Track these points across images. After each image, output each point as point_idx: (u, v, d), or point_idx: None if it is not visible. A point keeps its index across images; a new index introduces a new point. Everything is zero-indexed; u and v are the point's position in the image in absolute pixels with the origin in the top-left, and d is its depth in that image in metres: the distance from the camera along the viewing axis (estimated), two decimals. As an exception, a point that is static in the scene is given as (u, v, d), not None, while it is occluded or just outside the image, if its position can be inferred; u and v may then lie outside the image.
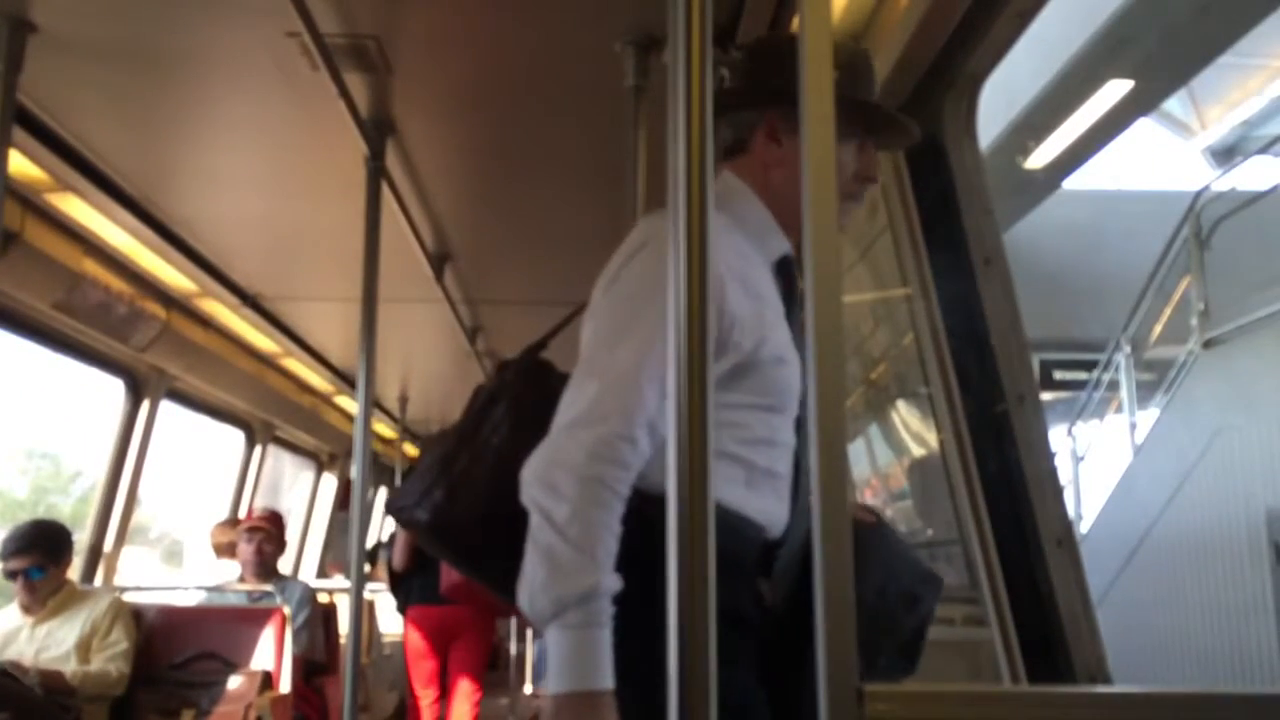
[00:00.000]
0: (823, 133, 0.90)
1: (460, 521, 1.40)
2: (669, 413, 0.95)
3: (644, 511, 1.21)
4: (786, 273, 1.44)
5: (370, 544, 6.14)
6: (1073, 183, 9.09)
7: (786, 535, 1.38)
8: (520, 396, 1.44)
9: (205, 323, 4.39)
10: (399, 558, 4.68)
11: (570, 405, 1.26)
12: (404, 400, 6.53)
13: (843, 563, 0.82)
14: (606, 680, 1.16)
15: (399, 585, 4.79)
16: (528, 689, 8.31)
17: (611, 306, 1.32)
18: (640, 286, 1.29)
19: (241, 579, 4.20)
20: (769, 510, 1.36)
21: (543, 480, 1.21)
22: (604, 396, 1.23)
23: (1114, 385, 8.09)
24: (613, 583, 1.18)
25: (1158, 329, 7.61)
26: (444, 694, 4.74)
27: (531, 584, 1.18)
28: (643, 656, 1.13)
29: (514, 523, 1.25)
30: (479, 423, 1.44)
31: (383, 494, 8.79)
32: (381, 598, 5.65)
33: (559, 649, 1.17)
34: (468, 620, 4.70)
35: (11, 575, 3.29)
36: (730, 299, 1.29)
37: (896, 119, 1.46)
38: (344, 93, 2.33)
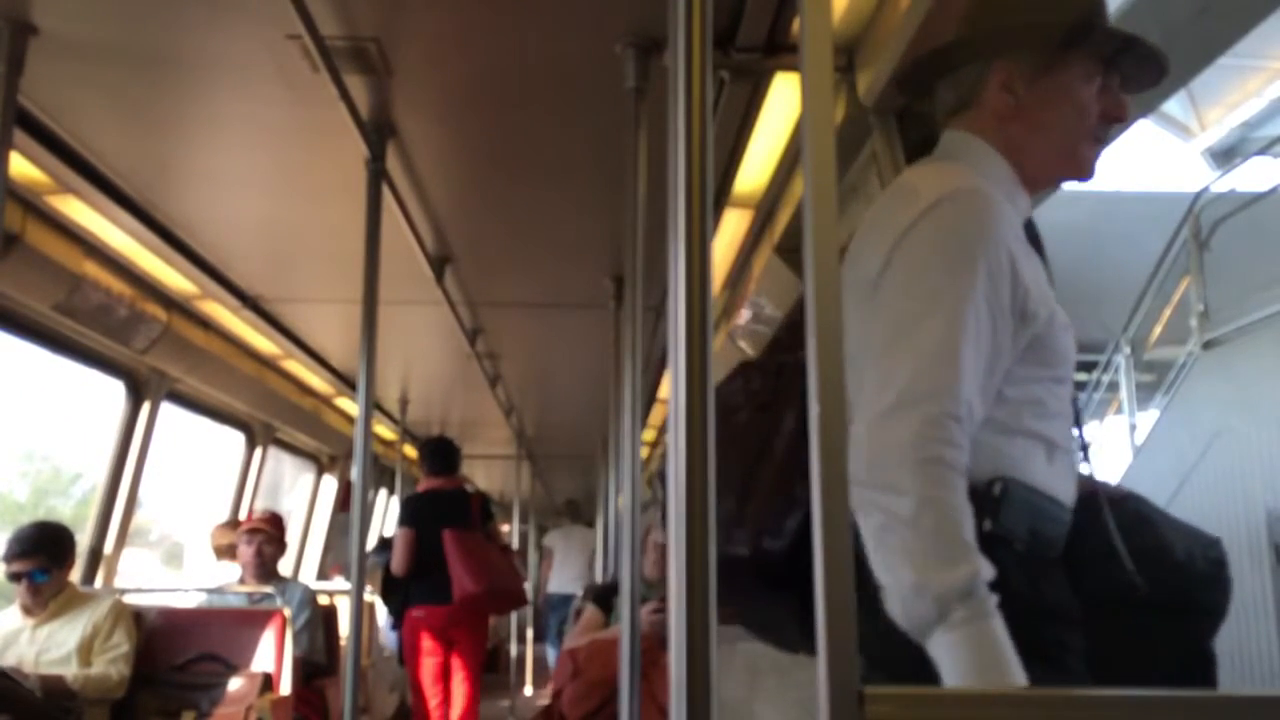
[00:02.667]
0: (824, 134, 0.90)
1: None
2: (671, 411, 0.95)
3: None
4: (1031, 233, 1.35)
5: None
6: (1072, 184, 9.07)
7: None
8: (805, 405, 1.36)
9: (206, 324, 4.39)
10: (400, 562, 4.70)
11: (882, 390, 1.13)
12: (404, 402, 6.53)
13: (844, 563, 0.82)
14: (1020, 674, 1.03)
15: (394, 589, 4.81)
16: (528, 690, 8.31)
17: (907, 278, 1.19)
18: (936, 250, 1.18)
19: (242, 581, 4.20)
20: (1068, 489, 1.27)
21: (872, 475, 1.10)
22: (922, 374, 1.12)
23: (1114, 386, 8.09)
24: (988, 568, 1.06)
25: (1157, 330, 7.60)
26: (449, 690, 4.80)
27: (900, 591, 1.06)
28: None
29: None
30: (770, 436, 1.31)
31: (383, 496, 8.78)
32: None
33: (954, 655, 1.04)
34: (468, 619, 4.78)
35: (15, 578, 3.28)
36: (1020, 266, 1.20)
37: (1140, 47, 1.33)
38: (344, 95, 2.33)
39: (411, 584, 4.73)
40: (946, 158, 1.35)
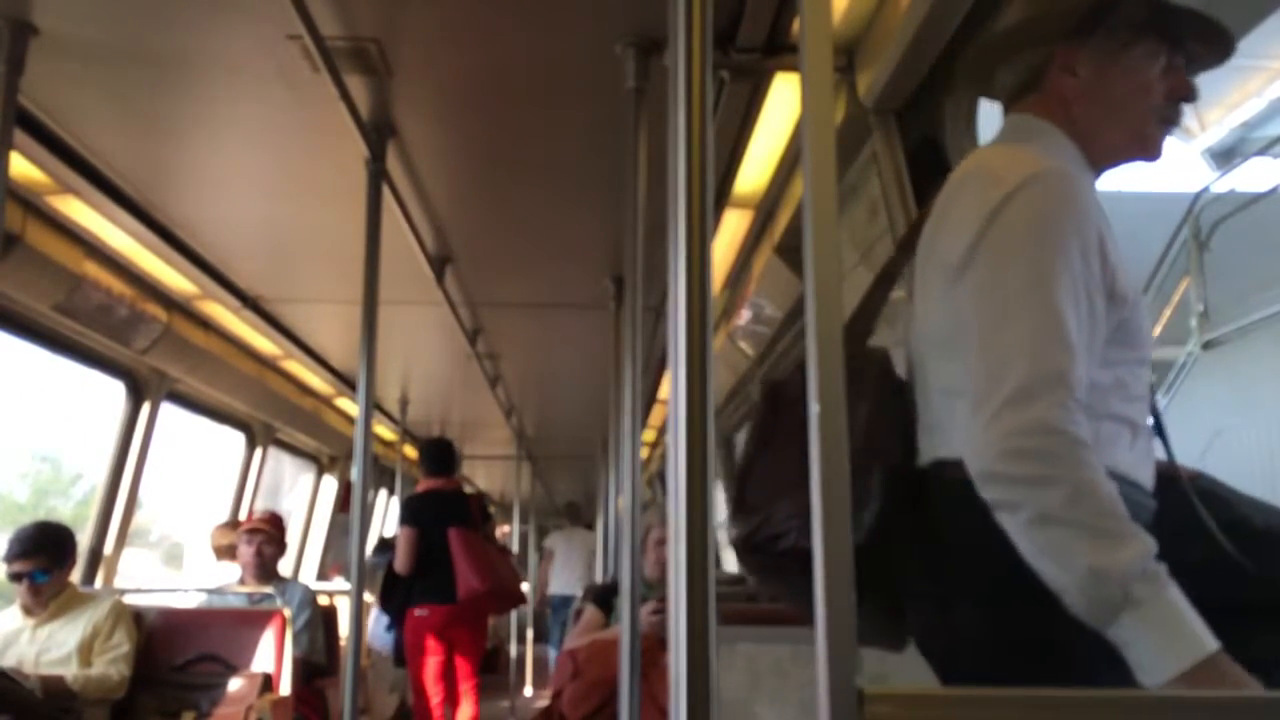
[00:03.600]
0: (824, 134, 0.90)
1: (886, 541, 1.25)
2: (671, 411, 0.95)
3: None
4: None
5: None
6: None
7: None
8: (881, 393, 1.33)
9: (206, 325, 4.39)
10: (404, 561, 4.72)
11: (998, 379, 1.11)
12: (404, 402, 6.54)
13: (844, 562, 0.82)
14: (1213, 639, 1.01)
15: (395, 589, 4.83)
16: (528, 691, 8.31)
17: (1002, 262, 1.17)
18: (1030, 233, 1.16)
19: (242, 581, 4.20)
20: (1148, 473, 1.25)
21: (1007, 467, 1.08)
22: (1041, 359, 1.10)
23: (1114, 387, 8.07)
24: (1150, 538, 1.05)
25: (1157, 330, 7.60)
26: (450, 688, 4.83)
27: (1079, 583, 1.03)
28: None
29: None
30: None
31: (382, 496, 8.78)
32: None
33: (1146, 633, 1.01)
34: (469, 617, 4.84)
35: (16, 578, 3.28)
36: (1108, 246, 1.19)
37: (1205, 24, 1.30)
38: (344, 95, 2.33)
39: (414, 584, 4.76)
40: (1015, 141, 1.33)
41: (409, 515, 4.91)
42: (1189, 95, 1.32)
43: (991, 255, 1.17)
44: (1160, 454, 1.33)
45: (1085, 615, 1.04)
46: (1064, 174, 1.21)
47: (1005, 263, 1.16)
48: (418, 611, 4.75)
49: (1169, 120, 1.33)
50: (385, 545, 6.16)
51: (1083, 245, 1.16)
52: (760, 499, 1.35)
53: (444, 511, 4.81)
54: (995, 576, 1.14)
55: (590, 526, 9.38)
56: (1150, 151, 1.34)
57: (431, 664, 4.75)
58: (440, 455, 5.09)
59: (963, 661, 1.22)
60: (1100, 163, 1.33)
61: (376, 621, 5.78)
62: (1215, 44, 1.32)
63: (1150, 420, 1.30)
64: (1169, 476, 1.30)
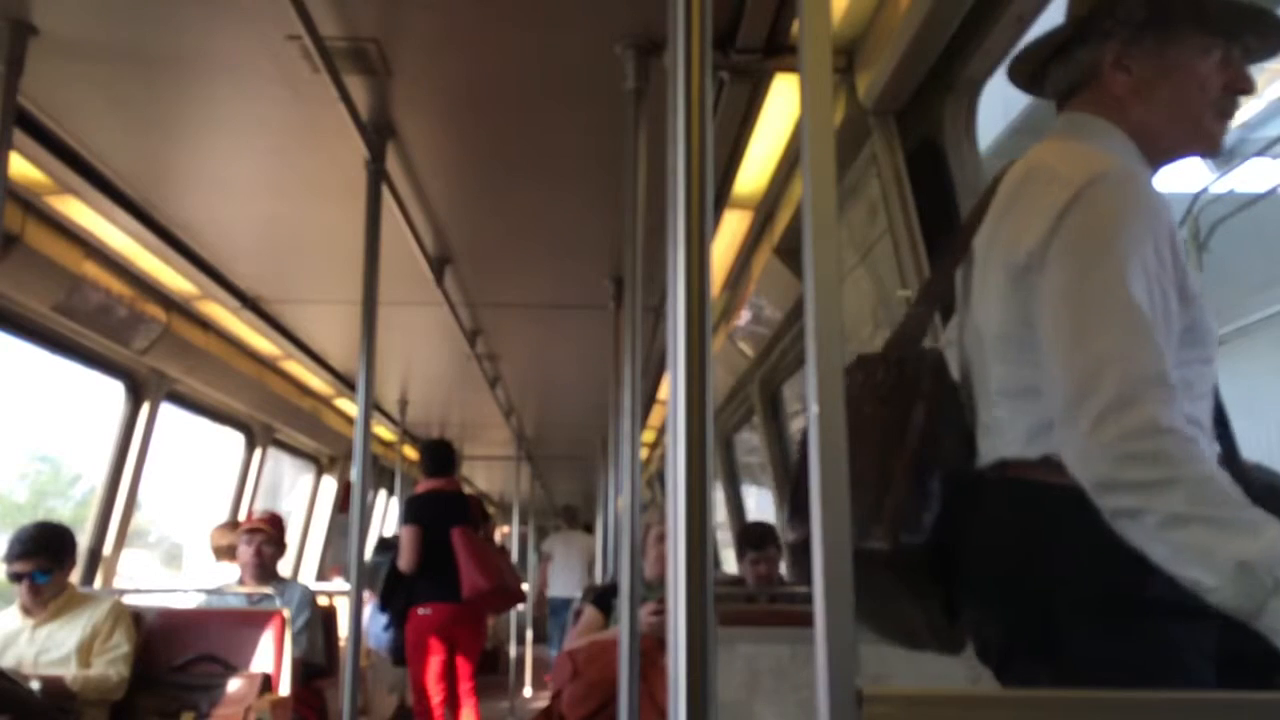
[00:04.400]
0: (824, 135, 0.90)
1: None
2: (670, 412, 0.95)
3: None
4: None
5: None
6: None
7: None
8: (937, 394, 1.32)
9: (205, 325, 4.39)
10: (409, 559, 4.74)
11: (1094, 385, 1.09)
12: (404, 403, 6.54)
13: (844, 562, 0.82)
14: None
15: (397, 589, 4.84)
16: (528, 692, 8.31)
17: (1078, 262, 1.15)
18: (1106, 232, 1.14)
19: (241, 581, 4.20)
20: None
21: (1132, 473, 1.05)
22: (1133, 363, 1.09)
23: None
24: (1273, 518, 1.04)
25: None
26: (450, 688, 4.85)
27: (1227, 579, 1.01)
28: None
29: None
30: (900, 429, 1.28)
31: (382, 497, 8.78)
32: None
33: None
34: (471, 617, 4.88)
35: (16, 578, 3.28)
36: (1178, 243, 1.18)
37: (1260, 16, 1.28)
38: (344, 96, 2.33)
39: (416, 583, 4.77)
40: (1073, 138, 1.32)
41: (411, 514, 4.94)
42: (1246, 88, 1.30)
43: (1065, 256, 1.16)
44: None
45: (1233, 609, 1.02)
46: (1129, 171, 1.20)
47: (1081, 263, 1.14)
48: (421, 610, 4.77)
49: (1226, 114, 1.31)
50: (385, 545, 6.16)
51: (1156, 243, 1.15)
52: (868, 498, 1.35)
53: (445, 511, 4.84)
54: (1061, 577, 1.13)
55: (588, 529, 9.37)
56: (1211, 146, 1.33)
57: (434, 663, 4.77)
58: (440, 456, 5.11)
59: (1021, 663, 1.20)
60: (1158, 159, 1.32)
61: (373, 621, 5.79)
62: (1270, 36, 1.31)
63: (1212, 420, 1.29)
64: (1230, 470, 1.29)
